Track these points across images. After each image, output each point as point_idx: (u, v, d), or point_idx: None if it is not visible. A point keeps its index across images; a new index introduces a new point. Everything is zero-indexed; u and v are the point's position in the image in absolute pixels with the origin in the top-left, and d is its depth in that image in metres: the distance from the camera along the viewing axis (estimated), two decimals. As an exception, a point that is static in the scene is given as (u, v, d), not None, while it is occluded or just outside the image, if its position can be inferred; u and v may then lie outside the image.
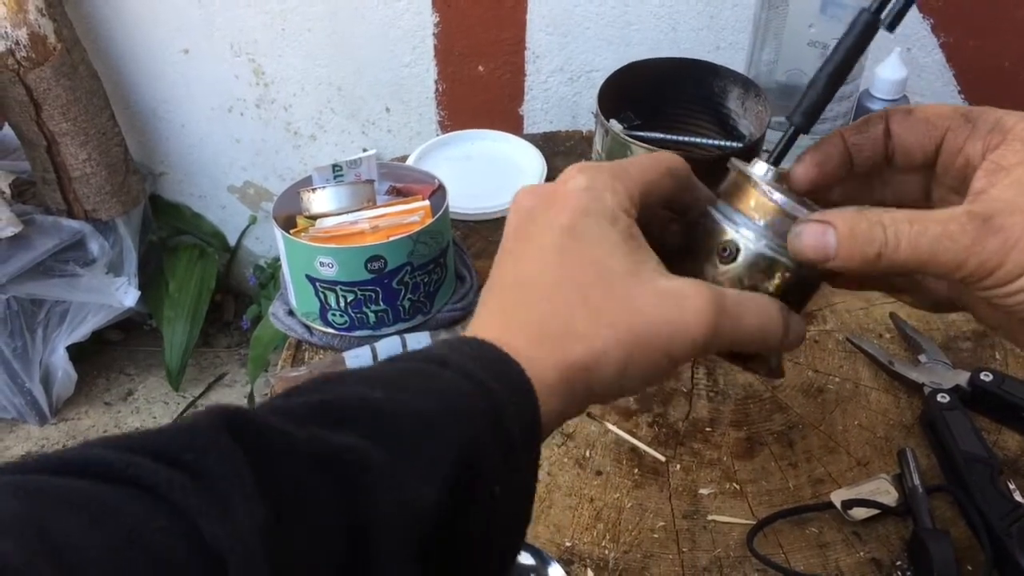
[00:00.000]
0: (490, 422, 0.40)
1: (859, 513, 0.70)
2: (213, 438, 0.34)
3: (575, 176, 0.47)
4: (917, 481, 0.71)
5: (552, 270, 0.45)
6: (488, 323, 0.45)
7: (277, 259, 1.83)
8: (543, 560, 0.67)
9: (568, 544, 0.69)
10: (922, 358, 0.82)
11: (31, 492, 0.30)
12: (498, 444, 0.40)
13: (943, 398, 0.76)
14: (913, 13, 1.17)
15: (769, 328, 0.45)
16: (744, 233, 0.47)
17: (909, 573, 0.67)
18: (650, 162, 0.49)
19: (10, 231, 1.53)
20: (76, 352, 1.79)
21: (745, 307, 0.45)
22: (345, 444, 0.37)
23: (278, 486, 0.34)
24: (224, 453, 0.33)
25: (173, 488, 0.32)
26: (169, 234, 1.90)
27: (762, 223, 0.46)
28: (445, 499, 0.37)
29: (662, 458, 0.75)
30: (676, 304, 0.43)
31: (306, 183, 0.84)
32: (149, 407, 1.88)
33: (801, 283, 0.47)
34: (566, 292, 0.44)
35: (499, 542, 0.42)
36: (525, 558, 0.67)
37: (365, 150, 1.62)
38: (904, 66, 0.93)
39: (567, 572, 0.66)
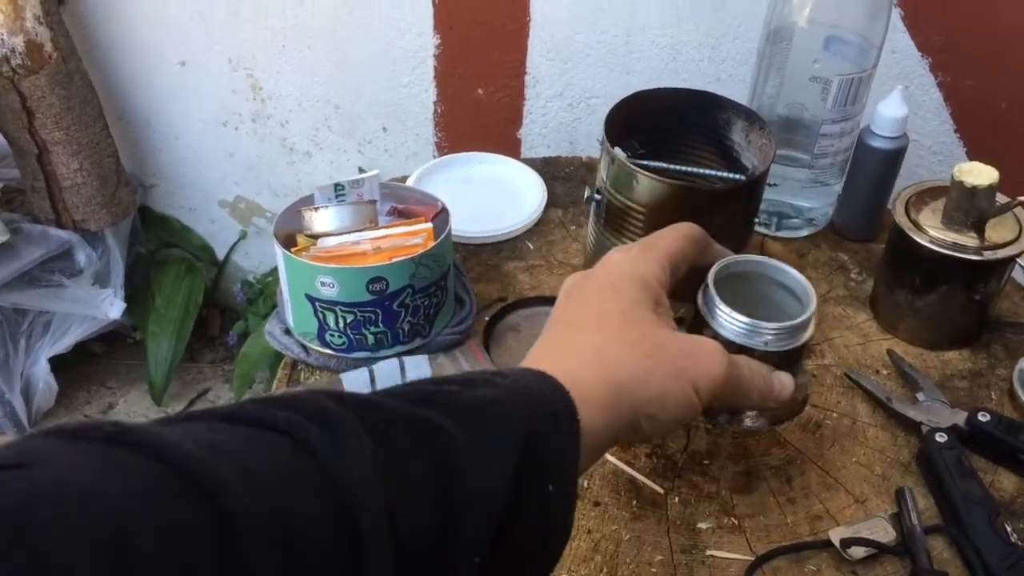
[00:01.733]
0: (549, 415, 0.47)
1: (857, 552, 0.69)
2: (333, 407, 0.40)
3: (614, 253, 0.61)
4: (915, 521, 0.70)
5: (595, 312, 0.56)
6: (538, 356, 0.54)
7: (266, 275, 1.82)
8: (540, 591, 0.66)
9: None
10: (919, 396, 0.82)
11: (214, 429, 0.38)
12: (554, 438, 0.46)
13: (941, 437, 0.76)
14: (912, 51, 1.18)
15: (757, 378, 0.61)
16: (715, 325, 0.66)
17: (907, 613, 0.67)
18: (672, 233, 0.63)
19: (-3, 239, 1.51)
20: (58, 363, 1.76)
21: (742, 361, 0.60)
22: (440, 424, 0.42)
23: (390, 449, 0.40)
24: (343, 415, 0.40)
25: (311, 436, 0.38)
26: (157, 246, 1.88)
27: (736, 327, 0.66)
28: (512, 481, 0.43)
29: (660, 490, 0.74)
30: (699, 347, 0.56)
31: (308, 201, 0.84)
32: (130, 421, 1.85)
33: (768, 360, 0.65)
34: (608, 329, 0.54)
35: (548, 542, 0.47)
36: (522, 589, 0.66)
37: (362, 169, 1.61)
38: (905, 104, 0.93)
39: (564, 604, 0.65)
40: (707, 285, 0.67)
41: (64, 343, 1.73)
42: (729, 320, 0.65)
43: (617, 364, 0.52)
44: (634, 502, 0.74)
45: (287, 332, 0.86)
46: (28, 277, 1.60)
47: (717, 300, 0.66)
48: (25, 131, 1.52)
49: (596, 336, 0.53)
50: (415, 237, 0.82)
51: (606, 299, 0.57)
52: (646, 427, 0.53)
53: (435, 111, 1.49)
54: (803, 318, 0.66)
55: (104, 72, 1.63)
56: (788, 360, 0.67)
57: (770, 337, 0.66)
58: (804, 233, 1.02)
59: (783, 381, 0.63)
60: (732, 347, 0.65)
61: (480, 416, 0.44)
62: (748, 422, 0.74)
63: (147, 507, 0.31)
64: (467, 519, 0.41)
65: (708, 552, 0.70)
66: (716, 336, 0.67)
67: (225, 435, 0.37)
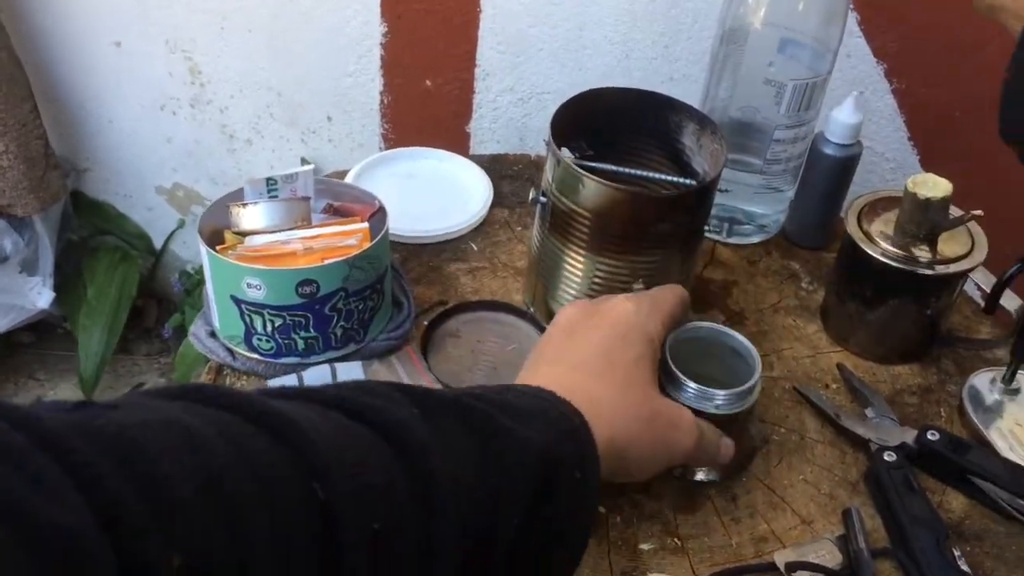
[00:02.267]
0: (570, 429, 0.50)
1: (803, 576, 0.67)
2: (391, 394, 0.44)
3: (623, 300, 0.64)
4: (863, 544, 0.68)
5: (603, 363, 0.58)
6: (546, 384, 0.55)
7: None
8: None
9: (499, 600, 0.64)
10: (869, 412, 0.80)
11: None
12: (579, 435, 0.50)
13: (889, 456, 0.74)
14: (868, 56, 1.16)
15: (711, 445, 0.65)
16: (669, 389, 0.69)
17: (852, 641, 0.64)
18: (675, 297, 0.67)
19: (-85, 223, 1.43)
20: (-17, 353, 1.69)
21: (704, 428, 0.64)
22: (486, 410, 0.45)
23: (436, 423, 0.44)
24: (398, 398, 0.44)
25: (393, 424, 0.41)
26: (91, 233, 1.81)
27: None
28: (546, 471, 0.46)
29: (602, 509, 0.71)
30: (681, 419, 0.61)
31: (237, 196, 0.79)
32: (59, 414, 1.78)
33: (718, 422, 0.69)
34: (615, 386, 0.57)
35: (576, 527, 0.50)
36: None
37: (304, 160, 1.56)
38: (859, 111, 0.91)
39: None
40: (664, 353, 0.70)
41: (-12, 333, 1.65)
42: (684, 386, 0.69)
43: (622, 426, 0.55)
44: (573, 522, 0.70)
45: (212, 335, 0.81)
46: (-50, 264, 1.53)
47: (673, 367, 0.69)
48: (-53, 110, 1.44)
49: (606, 391, 0.56)
50: (350, 237, 0.77)
51: (615, 350, 0.59)
52: (625, 477, 0.58)
53: (381, 101, 1.44)
54: (750, 383, 0.70)
55: (34, 51, 1.55)
56: (737, 420, 0.71)
57: (721, 401, 0.70)
58: (755, 240, 1.00)
59: (728, 445, 0.67)
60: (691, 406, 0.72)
61: (515, 408, 0.48)
62: (700, 475, 0.75)
63: (241, 454, 0.34)
64: (514, 490, 0.44)
65: (650, 574, 0.67)
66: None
67: (316, 415, 0.39)
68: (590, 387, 0.55)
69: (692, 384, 0.69)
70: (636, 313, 0.61)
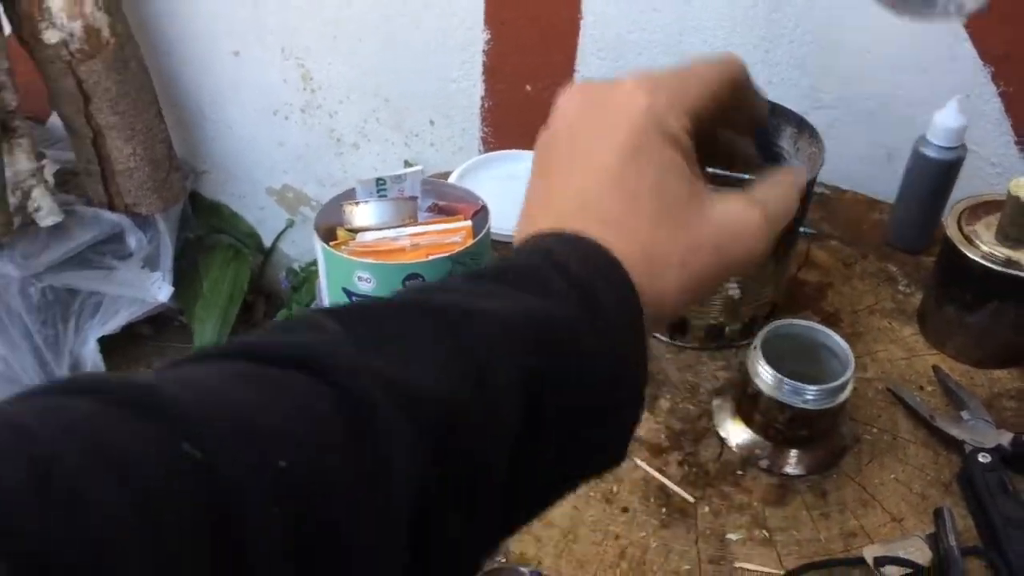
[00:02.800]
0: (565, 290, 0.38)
1: (891, 571, 0.68)
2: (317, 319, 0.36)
3: (633, 90, 0.44)
4: (953, 542, 0.68)
5: (613, 195, 0.42)
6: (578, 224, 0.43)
7: (310, 264, 1.84)
8: (564, 596, 0.65)
9: (590, 581, 0.67)
10: (964, 414, 0.80)
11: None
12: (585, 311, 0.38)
13: (984, 458, 0.74)
14: (974, 60, 1.15)
15: (787, 205, 0.46)
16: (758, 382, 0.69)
17: (941, 638, 0.65)
18: (713, 75, 0.46)
19: (51, 220, 1.54)
20: (106, 344, 1.80)
21: (778, 204, 0.45)
22: (447, 300, 0.37)
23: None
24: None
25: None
26: (206, 232, 1.91)
27: None
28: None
29: (691, 499, 0.73)
30: (739, 224, 0.43)
31: (349, 195, 0.84)
32: (174, 403, 1.88)
33: None
34: (629, 221, 0.42)
35: (604, 413, 0.40)
36: (546, 593, 0.66)
37: (407, 162, 1.62)
38: (962, 115, 0.91)
39: (588, 610, 0.65)
40: (755, 347, 0.73)
41: (113, 324, 1.76)
42: (773, 379, 0.71)
43: (652, 282, 0.41)
44: (663, 509, 0.73)
45: (324, 324, 0.86)
46: (80, 259, 1.64)
47: (762, 359, 0.72)
48: (81, 115, 1.55)
49: (611, 231, 0.42)
50: (454, 235, 0.81)
51: (625, 177, 0.43)
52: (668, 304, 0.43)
53: (482, 106, 1.49)
54: (842, 380, 0.72)
55: (160, 59, 1.66)
56: (828, 416, 0.73)
57: (811, 396, 0.71)
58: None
59: (798, 173, 0.49)
60: (773, 403, 0.73)
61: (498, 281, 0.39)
62: (789, 469, 0.76)
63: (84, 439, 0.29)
64: (499, 351, 0.35)
65: (737, 564, 0.69)
66: (759, 394, 0.74)
67: (205, 372, 0.34)
68: (599, 229, 0.41)
69: (786, 379, 0.71)
70: (648, 111, 0.43)
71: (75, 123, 1.57)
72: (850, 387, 0.73)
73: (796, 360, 0.75)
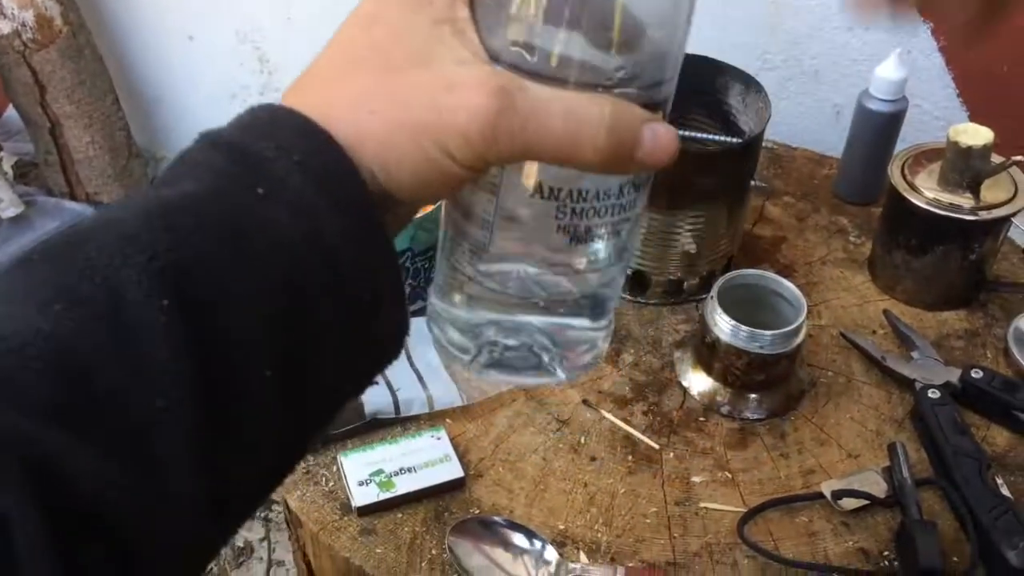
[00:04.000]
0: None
1: (848, 503, 0.71)
2: None
3: None
4: (907, 474, 0.72)
5: (335, 60, 0.38)
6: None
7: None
8: (537, 541, 0.68)
9: (562, 527, 0.70)
10: (914, 355, 0.83)
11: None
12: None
13: (934, 394, 0.78)
14: (915, 16, 1.18)
15: (583, 137, 0.34)
16: (716, 330, 0.75)
17: (896, 563, 0.68)
18: None
19: (11, 212, 1.53)
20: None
21: (549, 107, 0.34)
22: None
23: None
24: None
25: None
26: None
27: None
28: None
29: (656, 446, 0.76)
30: (448, 90, 0.34)
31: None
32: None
33: None
34: (346, 81, 0.37)
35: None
36: (519, 539, 0.68)
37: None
38: (903, 66, 0.94)
39: (560, 554, 0.67)
40: (711, 296, 0.77)
41: (79, 315, 1.75)
42: (730, 327, 0.75)
43: (335, 124, 0.35)
44: (630, 457, 0.75)
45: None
46: (43, 250, 1.63)
47: (719, 309, 0.75)
48: (37, 105, 1.54)
49: (319, 95, 0.37)
50: (415, 201, 0.83)
51: (353, 40, 0.39)
52: (381, 193, 0.36)
53: (441, 81, 1.50)
54: (796, 324, 0.75)
55: (114, 46, 1.65)
56: (784, 360, 0.76)
57: (767, 341, 0.75)
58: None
59: (658, 133, 0.35)
60: (731, 350, 0.76)
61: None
62: (748, 413, 0.79)
63: None
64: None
65: (701, 504, 0.72)
66: (716, 342, 0.77)
67: None
68: (305, 101, 0.36)
69: (742, 326, 0.74)
70: None
71: (31, 114, 1.56)
72: (804, 332, 0.76)
73: (752, 309, 0.78)
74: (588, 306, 0.44)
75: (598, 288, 0.43)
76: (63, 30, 1.50)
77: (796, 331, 0.75)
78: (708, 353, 0.79)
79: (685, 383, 0.81)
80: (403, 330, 0.38)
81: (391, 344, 0.38)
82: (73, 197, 1.65)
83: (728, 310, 0.76)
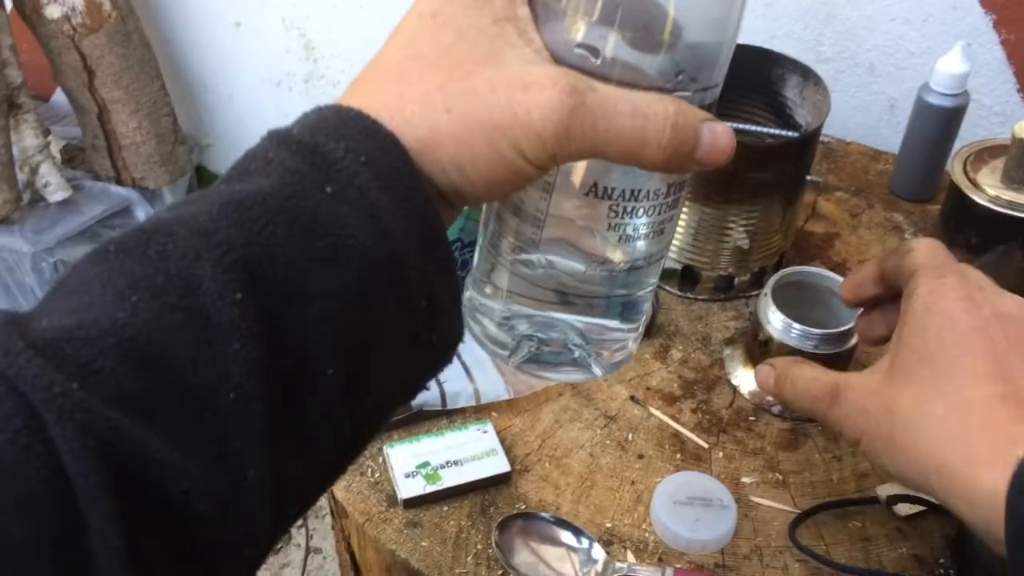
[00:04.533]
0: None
1: (904, 509, 0.69)
2: None
3: None
4: (964, 479, 0.70)
5: (399, 58, 0.38)
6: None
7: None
8: (584, 539, 0.67)
9: (609, 525, 0.69)
10: (972, 357, 0.81)
11: None
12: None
13: (993, 398, 0.75)
14: (976, 8, 1.15)
15: (649, 135, 0.35)
16: (768, 328, 0.72)
17: (952, 571, 0.66)
18: None
19: (59, 196, 1.55)
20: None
21: (617, 106, 0.35)
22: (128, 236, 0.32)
23: None
24: None
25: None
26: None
27: None
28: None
29: (705, 445, 0.75)
30: (523, 90, 0.35)
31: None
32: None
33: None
34: (412, 80, 0.36)
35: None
36: (566, 537, 0.67)
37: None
38: (967, 61, 0.91)
39: (607, 552, 0.66)
40: (765, 293, 0.75)
41: (123, 298, 1.77)
42: (783, 325, 0.73)
43: (406, 123, 0.35)
44: (678, 456, 0.74)
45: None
46: (90, 233, 1.65)
47: (772, 306, 0.74)
48: (86, 89, 1.55)
49: (386, 90, 0.37)
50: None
51: (416, 36, 0.38)
52: (448, 189, 0.36)
53: (486, 71, 1.49)
54: (850, 324, 0.73)
55: (161, 32, 1.66)
56: (839, 360, 0.73)
57: (820, 341, 0.73)
58: (858, 193, 1.01)
59: (716, 132, 0.37)
60: (784, 349, 0.74)
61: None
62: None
63: None
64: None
65: (752, 499, 0.70)
66: (769, 340, 0.75)
67: None
68: (369, 100, 0.36)
69: (795, 324, 0.72)
70: None
71: (80, 98, 1.57)
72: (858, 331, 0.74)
73: (805, 307, 0.76)
74: (623, 305, 0.45)
75: (635, 288, 0.44)
76: (112, 15, 1.51)
77: (851, 331, 0.74)
78: (760, 351, 0.77)
79: (735, 381, 0.80)
80: (458, 336, 0.38)
81: (445, 349, 0.38)
82: (119, 182, 1.67)
83: (781, 307, 0.74)
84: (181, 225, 0.30)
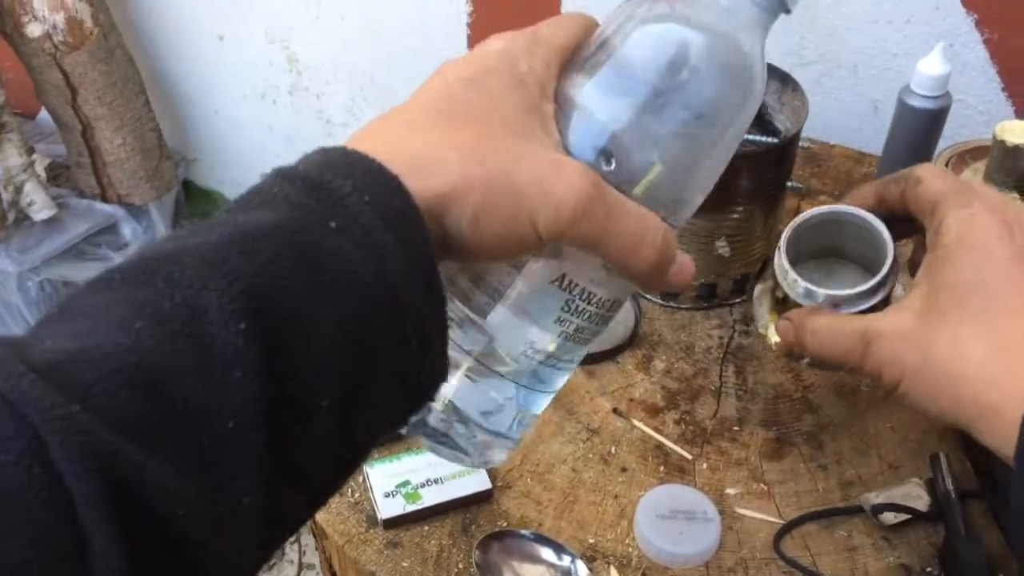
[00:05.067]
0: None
1: (889, 518, 0.68)
2: None
3: (492, 40, 0.43)
4: (950, 486, 0.69)
5: (428, 112, 0.40)
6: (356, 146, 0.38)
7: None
8: (566, 556, 0.66)
9: (592, 541, 0.68)
10: (958, 361, 0.80)
11: None
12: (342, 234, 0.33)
13: (979, 402, 0.75)
14: (957, 7, 1.15)
15: (647, 239, 0.40)
16: (784, 286, 0.63)
17: (939, 580, 0.66)
18: (571, 25, 0.44)
19: (44, 214, 1.54)
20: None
21: (627, 207, 0.40)
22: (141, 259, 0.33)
23: None
24: None
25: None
26: (200, 220, 1.91)
27: None
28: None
29: (688, 456, 0.74)
30: (554, 168, 0.38)
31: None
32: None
33: None
34: (444, 131, 0.38)
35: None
36: (547, 554, 0.66)
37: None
38: (947, 62, 0.90)
39: (590, 569, 0.66)
40: (779, 247, 0.65)
41: (112, 315, 1.76)
42: (799, 285, 0.62)
43: (440, 170, 0.37)
44: (661, 468, 0.73)
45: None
46: (75, 251, 1.64)
47: (787, 265, 0.64)
48: (69, 107, 1.55)
49: (424, 138, 0.38)
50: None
51: (455, 97, 0.40)
52: (458, 242, 0.38)
53: (470, 80, 1.48)
54: (873, 282, 0.60)
55: (144, 48, 1.65)
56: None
57: (842, 301, 0.61)
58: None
59: (683, 263, 0.43)
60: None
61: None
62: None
63: None
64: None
65: (737, 510, 0.70)
66: (785, 298, 0.65)
67: None
68: (401, 146, 0.37)
69: (810, 286, 0.63)
70: (500, 54, 0.41)
71: (63, 116, 1.57)
72: (891, 284, 0.62)
73: (834, 252, 0.68)
74: (516, 407, 0.46)
75: (538, 386, 0.46)
76: (94, 32, 1.50)
77: (877, 287, 0.61)
78: (779, 306, 0.68)
79: (763, 331, 0.71)
80: (442, 376, 0.39)
81: (430, 388, 0.38)
82: (105, 199, 1.66)
83: (802, 262, 0.66)
84: (187, 254, 0.31)
